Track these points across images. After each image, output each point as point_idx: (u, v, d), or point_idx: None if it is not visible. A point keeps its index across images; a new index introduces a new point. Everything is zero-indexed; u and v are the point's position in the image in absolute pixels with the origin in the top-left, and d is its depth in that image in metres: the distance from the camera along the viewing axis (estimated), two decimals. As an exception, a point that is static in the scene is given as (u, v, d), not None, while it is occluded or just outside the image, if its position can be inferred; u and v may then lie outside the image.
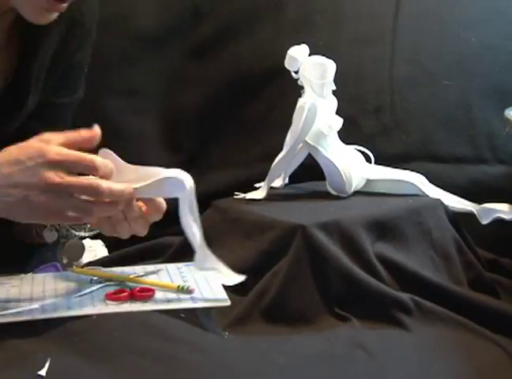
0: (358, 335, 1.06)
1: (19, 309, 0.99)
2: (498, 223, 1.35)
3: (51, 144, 0.94)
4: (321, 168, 1.32)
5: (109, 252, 1.42)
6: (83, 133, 0.98)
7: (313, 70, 1.30)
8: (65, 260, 1.22)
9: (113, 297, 1.02)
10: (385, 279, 1.14)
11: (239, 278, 1.05)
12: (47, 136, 0.96)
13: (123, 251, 1.39)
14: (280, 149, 1.38)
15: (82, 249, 1.25)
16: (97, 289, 1.06)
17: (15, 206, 0.94)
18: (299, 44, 1.36)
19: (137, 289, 1.04)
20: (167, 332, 0.95)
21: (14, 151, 0.94)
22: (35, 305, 1.00)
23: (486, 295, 1.17)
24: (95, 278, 1.10)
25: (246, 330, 1.06)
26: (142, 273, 1.14)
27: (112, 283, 1.09)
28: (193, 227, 1.00)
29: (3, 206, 0.94)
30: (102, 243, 1.44)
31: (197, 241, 1.01)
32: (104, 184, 0.94)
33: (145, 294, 1.04)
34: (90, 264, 1.36)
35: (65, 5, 1.06)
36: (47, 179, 0.91)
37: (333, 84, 1.30)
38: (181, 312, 1.00)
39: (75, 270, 1.14)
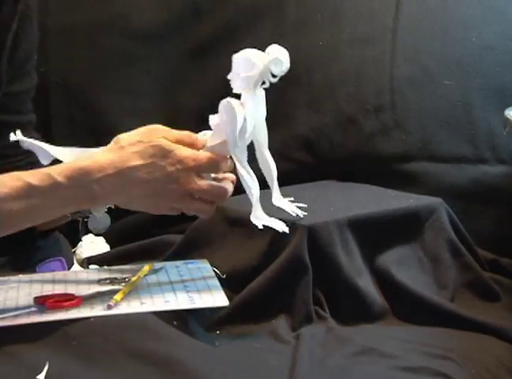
0: (356, 337, 1.06)
1: (16, 313, 0.99)
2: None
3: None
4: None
5: (111, 248, 1.43)
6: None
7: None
8: (94, 230, 1.25)
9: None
10: (369, 281, 1.16)
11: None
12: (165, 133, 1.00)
13: (125, 248, 1.39)
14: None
15: (108, 219, 1.26)
16: (97, 292, 1.06)
17: (139, 200, 1.00)
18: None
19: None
20: (164, 335, 0.95)
21: (148, 150, 0.97)
22: (33, 308, 1.00)
23: (457, 305, 1.18)
24: (103, 278, 1.10)
25: (238, 329, 1.06)
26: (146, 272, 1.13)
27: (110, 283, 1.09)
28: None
29: (127, 200, 1.00)
30: (104, 239, 1.45)
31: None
32: (230, 188, 1.03)
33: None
34: (91, 259, 1.37)
35: None
36: (186, 185, 0.98)
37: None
38: (173, 319, 1.00)
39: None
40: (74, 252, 1.40)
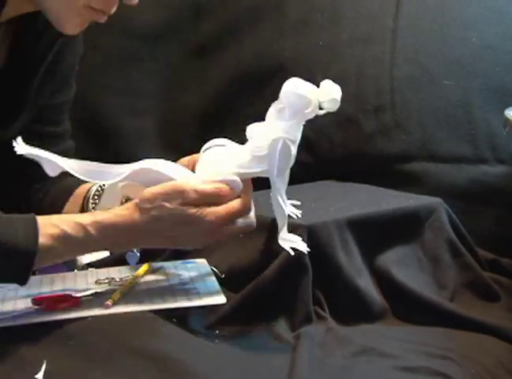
0: (356, 337, 1.06)
1: (15, 314, 0.99)
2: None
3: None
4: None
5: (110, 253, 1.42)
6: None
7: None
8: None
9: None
10: (369, 281, 1.16)
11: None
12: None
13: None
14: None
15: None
16: (95, 292, 1.06)
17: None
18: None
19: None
20: (163, 334, 0.95)
21: (171, 218, 0.99)
22: (31, 309, 1.00)
23: (457, 305, 1.18)
24: (101, 278, 1.10)
25: (238, 329, 1.06)
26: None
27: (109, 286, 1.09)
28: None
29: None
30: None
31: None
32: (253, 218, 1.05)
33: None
34: (91, 265, 1.36)
35: (106, 16, 1.06)
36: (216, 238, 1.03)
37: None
38: (173, 317, 1.00)
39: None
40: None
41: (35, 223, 0.95)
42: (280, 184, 1.03)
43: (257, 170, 1.03)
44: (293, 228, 1.13)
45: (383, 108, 1.53)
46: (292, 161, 1.04)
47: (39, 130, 1.21)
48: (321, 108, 1.02)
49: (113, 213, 0.99)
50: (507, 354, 1.05)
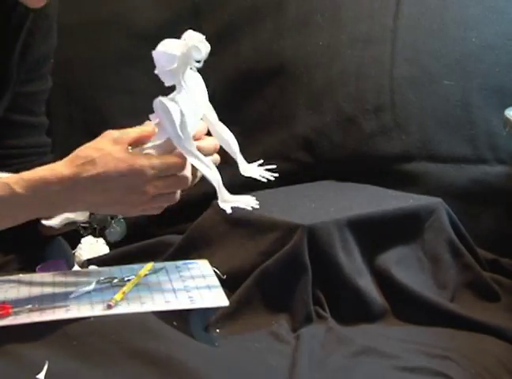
0: (356, 337, 1.06)
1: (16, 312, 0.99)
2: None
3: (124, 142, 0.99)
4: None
5: (110, 250, 1.43)
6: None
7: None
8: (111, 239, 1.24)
9: None
10: (369, 281, 1.16)
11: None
12: (118, 136, 1.01)
13: (124, 249, 1.39)
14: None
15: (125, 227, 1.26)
16: (94, 290, 1.06)
17: (103, 207, 1.01)
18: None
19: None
20: (164, 335, 0.95)
21: (102, 160, 0.97)
22: (33, 308, 1.00)
23: (457, 305, 1.18)
24: (102, 278, 1.10)
25: (238, 329, 1.06)
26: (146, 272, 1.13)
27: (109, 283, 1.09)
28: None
29: (89, 207, 1.02)
30: (103, 241, 1.45)
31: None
32: (187, 173, 1.01)
33: None
34: (91, 261, 1.36)
35: None
36: (144, 195, 0.98)
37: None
38: (173, 319, 1.00)
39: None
40: (74, 254, 1.40)
41: None
42: (186, 147, 1.00)
43: (162, 140, 1.01)
44: (293, 228, 1.14)
45: (383, 108, 1.53)
46: (186, 123, 1.00)
47: (13, 118, 1.21)
48: (197, 61, 1.03)
49: (42, 169, 0.98)
50: (507, 354, 1.05)
